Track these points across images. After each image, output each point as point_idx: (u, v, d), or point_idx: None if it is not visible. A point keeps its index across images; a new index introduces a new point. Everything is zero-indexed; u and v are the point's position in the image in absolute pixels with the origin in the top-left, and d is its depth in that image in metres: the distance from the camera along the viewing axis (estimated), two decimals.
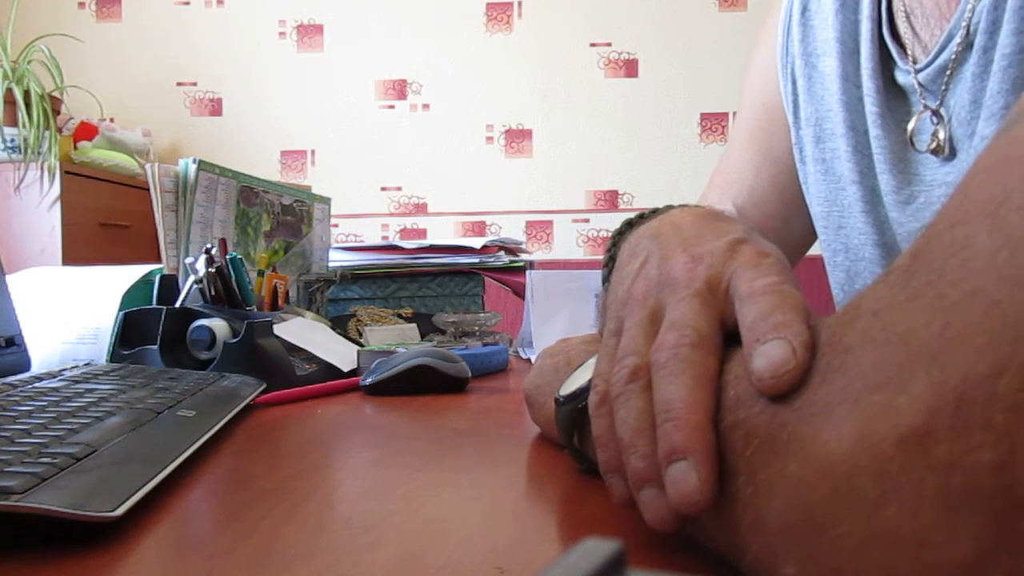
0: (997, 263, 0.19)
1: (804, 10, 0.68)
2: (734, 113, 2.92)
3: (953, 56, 0.55)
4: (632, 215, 0.44)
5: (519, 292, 1.21)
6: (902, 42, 0.60)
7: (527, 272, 1.12)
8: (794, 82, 0.70)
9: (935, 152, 0.58)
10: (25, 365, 0.71)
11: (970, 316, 0.19)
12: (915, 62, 0.59)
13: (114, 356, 0.73)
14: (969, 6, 0.54)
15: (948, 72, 0.56)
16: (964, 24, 0.54)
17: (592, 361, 0.37)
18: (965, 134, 0.56)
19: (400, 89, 3.01)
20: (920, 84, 0.59)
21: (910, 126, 0.59)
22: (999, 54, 0.51)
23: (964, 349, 0.18)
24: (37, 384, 0.53)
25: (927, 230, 0.22)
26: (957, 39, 0.55)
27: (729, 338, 0.29)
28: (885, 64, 0.61)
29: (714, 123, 2.95)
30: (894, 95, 0.61)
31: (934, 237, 0.21)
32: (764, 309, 0.27)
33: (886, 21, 0.61)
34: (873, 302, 0.22)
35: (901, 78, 0.60)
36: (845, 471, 0.20)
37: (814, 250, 0.76)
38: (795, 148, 0.71)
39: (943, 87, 0.57)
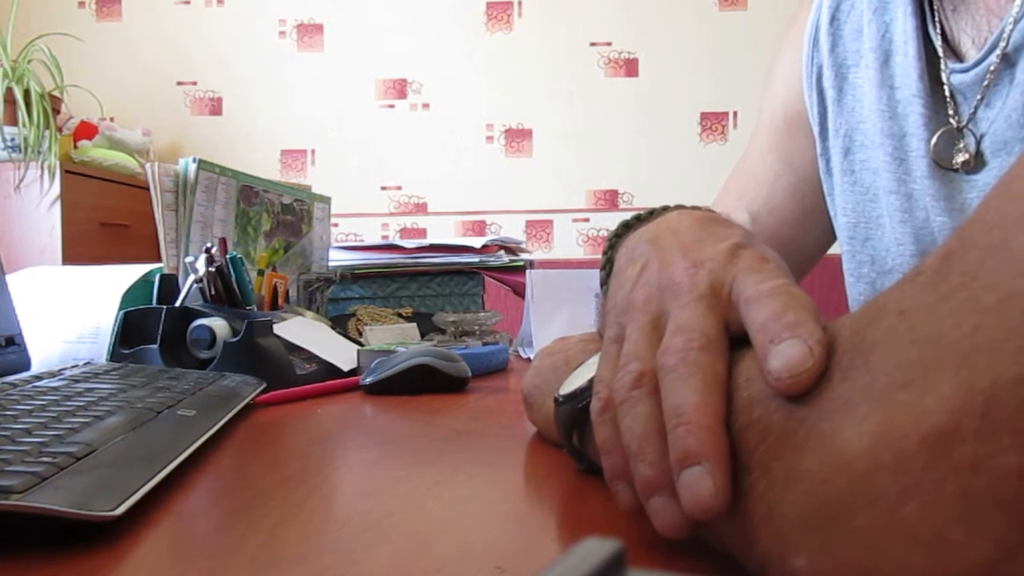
0: None
1: (832, 20, 0.67)
2: (734, 113, 2.92)
3: (1001, 55, 0.54)
4: (631, 215, 0.44)
5: (519, 292, 1.21)
6: (948, 39, 0.59)
7: (527, 272, 1.12)
8: (820, 93, 0.69)
9: (964, 166, 0.57)
10: (25, 365, 0.71)
11: (1004, 320, 0.18)
12: (961, 60, 0.58)
13: (114, 356, 0.73)
14: (1016, 4, 0.53)
15: (993, 71, 0.55)
16: (1011, 22, 0.53)
17: (592, 360, 0.37)
18: (1016, 137, 0.54)
19: (400, 89, 3.01)
20: (955, 87, 0.58)
21: (933, 140, 0.58)
22: None
23: (996, 352, 0.18)
24: (37, 384, 0.53)
25: (962, 230, 0.22)
26: (1007, 37, 0.53)
27: (732, 344, 0.29)
28: (931, 63, 0.60)
29: (714, 123, 2.95)
30: (941, 96, 0.60)
31: (969, 238, 0.21)
32: (775, 310, 0.27)
33: (930, 18, 0.60)
34: (900, 302, 0.22)
35: (946, 78, 0.59)
36: (865, 467, 0.20)
37: (832, 250, 0.76)
38: (820, 159, 0.70)
39: (985, 87, 0.56)
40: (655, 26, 2.94)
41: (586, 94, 2.97)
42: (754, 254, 0.32)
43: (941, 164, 0.59)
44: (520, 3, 2.98)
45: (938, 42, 0.59)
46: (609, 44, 2.96)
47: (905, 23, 0.61)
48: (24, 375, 0.58)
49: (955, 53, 0.59)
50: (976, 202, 0.57)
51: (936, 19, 0.60)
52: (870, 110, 0.64)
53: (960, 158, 0.58)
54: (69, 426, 0.40)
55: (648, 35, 2.95)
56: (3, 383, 0.52)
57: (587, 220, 2.98)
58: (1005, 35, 0.53)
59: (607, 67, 2.97)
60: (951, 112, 0.59)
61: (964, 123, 0.57)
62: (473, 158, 2.99)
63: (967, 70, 0.57)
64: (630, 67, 2.96)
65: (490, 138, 3.00)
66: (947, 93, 0.59)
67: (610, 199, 2.97)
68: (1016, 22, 0.53)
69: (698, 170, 2.89)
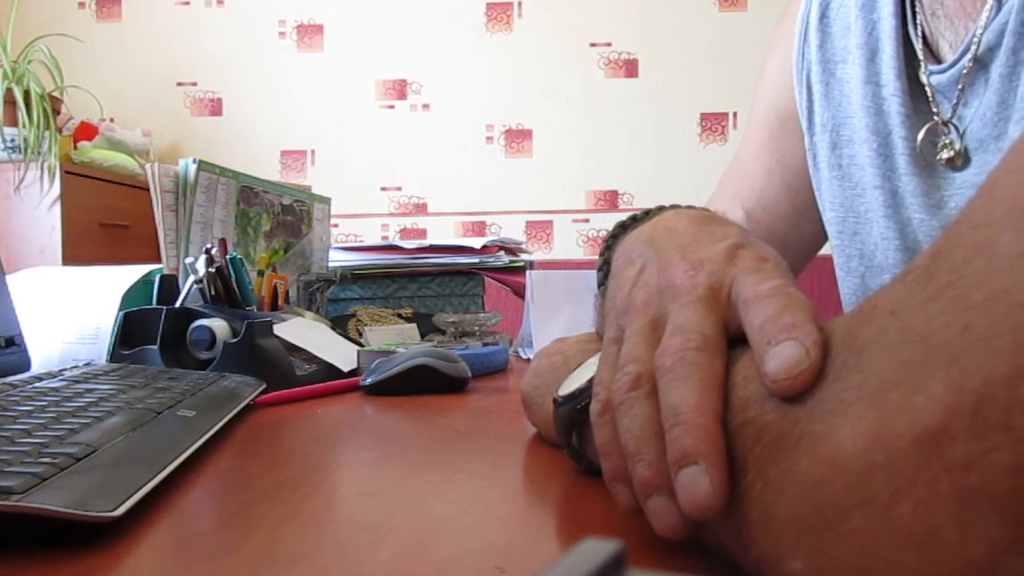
0: (1021, 266, 0.19)
1: (822, 16, 0.68)
2: (734, 113, 2.92)
3: (973, 57, 0.55)
4: (627, 215, 0.44)
5: (519, 292, 1.21)
6: (928, 41, 0.60)
7: (527, 272, 1.12)
8: (809, 88, 0.69)
9: (950, 162, 0.58)
10: (25, 365, 0.71)
11: (992, 318, 0.19)
12: (939, 61, 0.59)
13: (114, 356, 0.73)
14: (987, 8, 0.53)
15: (967, 72, 0.55)
16: (983, 25, 0.53)
17: (590, 361, 0.37)
18: (991, 135, 0.55)
19: (400, 89, 3.01)
20: (935, 87, 0.58)
21: (919, 136, 0.59)
22: None
23: (985, 351, 0.18)
24: (37, 384, 0.53)
25: (949, 230, 0.22)
26: (978, 39, 0.54)
27: (731, 344, 0.29)
28: (910, 63, 0.61)
29: (714, 123, 2.95)
30: (919, 95, 0.61)
31: (956, 237, 0.21)
32: (772, 311, 0.27)
33: (911, 20, 0.60)
34: (891, 302, 0.22)
35: (925, 78, 0.60)
36: (859, 468, 0.20)
37: (824, 250, 0.76)
38: (808, 154, 0.70)
39: (960, 88, 0.56)
40: (655, 26, 2.95)
41: (586, 94, 2.97)
42: (753, 254, 0.32)
43: (927, 157, 0.59)
44: (520, 3, 2.98)
45: (918, 44, 0.60)
46: (609, 44, 2.97)
47: (889, 23, 0.61)
48: (24, 376, 0.58)
49: (934, 55, 0.60)
50: (956, 200, 0.58)
51: (917, 21, 0.60)
52: (856, 106, 0.64)
53: (946, 154, 0.58)
54: (69, 427, 0.40)
55: (648, 35, 2.95)
56: (3, 384, 0.52)
57: (587, 221, 2.98)
58: (977, 38, 0.54)
59: (607, 67, 2.97)
60: (935, 110, 0.59)
61: (949, 118, 0.58)
62: (473, 158, 3.00)
63: (944, 71, 0.58)
64: (630, 67, 2.96)
65: (490, 138, 3.00)
66: (929, 93, 0.59)
67: (610, 199, 2.97)
68: (987, 26, 0.53)
69: (698, 170, 2.89)
